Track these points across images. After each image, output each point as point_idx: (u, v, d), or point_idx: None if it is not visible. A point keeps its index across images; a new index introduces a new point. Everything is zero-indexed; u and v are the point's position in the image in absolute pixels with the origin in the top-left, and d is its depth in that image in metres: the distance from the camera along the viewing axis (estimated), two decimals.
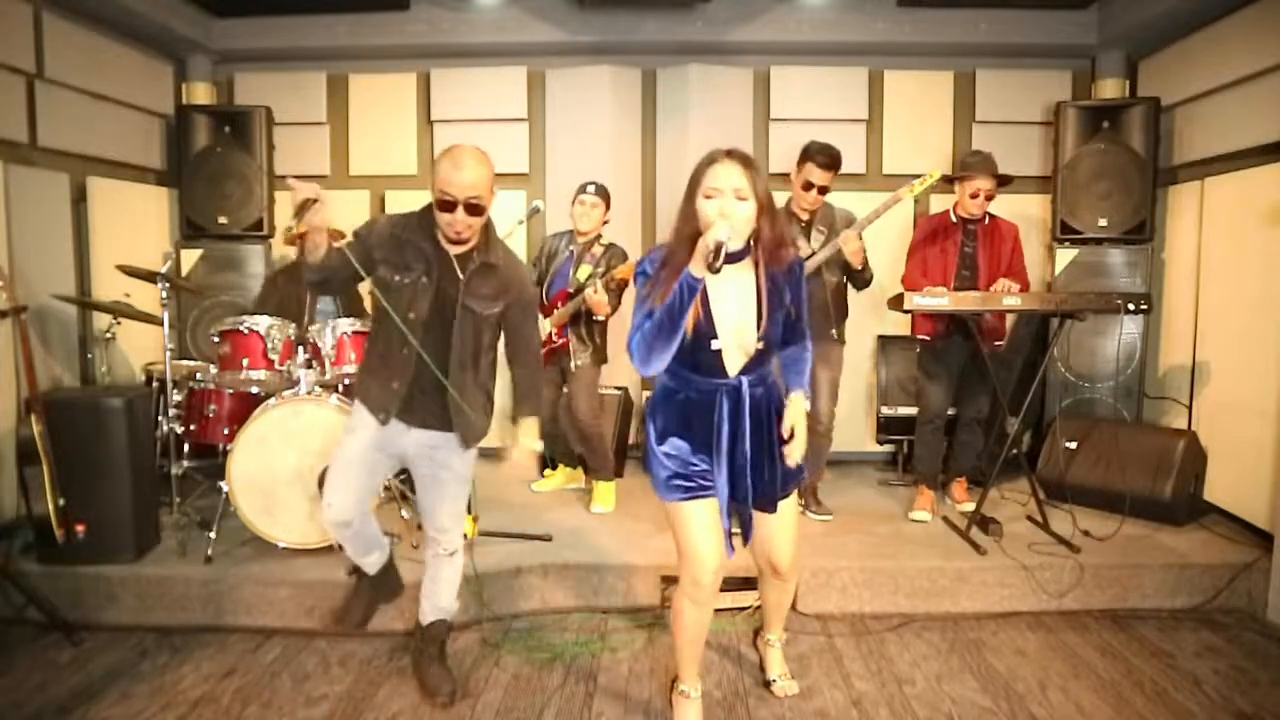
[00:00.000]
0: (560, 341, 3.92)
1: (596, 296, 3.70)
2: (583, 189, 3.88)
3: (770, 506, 2.25)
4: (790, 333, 2.21)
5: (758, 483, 2.18)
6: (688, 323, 2.01)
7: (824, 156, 3.55)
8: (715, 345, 2.06)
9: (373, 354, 2.52)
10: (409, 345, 2.40)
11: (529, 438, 2.60)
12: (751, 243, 2.08)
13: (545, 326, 3.91)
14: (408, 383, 2.43)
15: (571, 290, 3.89)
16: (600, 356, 3.97)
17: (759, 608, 2.85)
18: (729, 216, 1.96)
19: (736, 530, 2.26)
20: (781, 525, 2.30)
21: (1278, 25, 3.56)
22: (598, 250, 3.89)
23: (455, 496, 2.61)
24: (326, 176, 4.99)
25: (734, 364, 2.11)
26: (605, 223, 3.95)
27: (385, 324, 2.43)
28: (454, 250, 2.41)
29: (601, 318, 3.86)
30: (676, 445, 2.16)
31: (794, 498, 2.33)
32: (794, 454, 2.18)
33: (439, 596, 2.67)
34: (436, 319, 2.41)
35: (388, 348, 2.44)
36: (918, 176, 3.51)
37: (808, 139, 3.63)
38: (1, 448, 3.45)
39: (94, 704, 2.54)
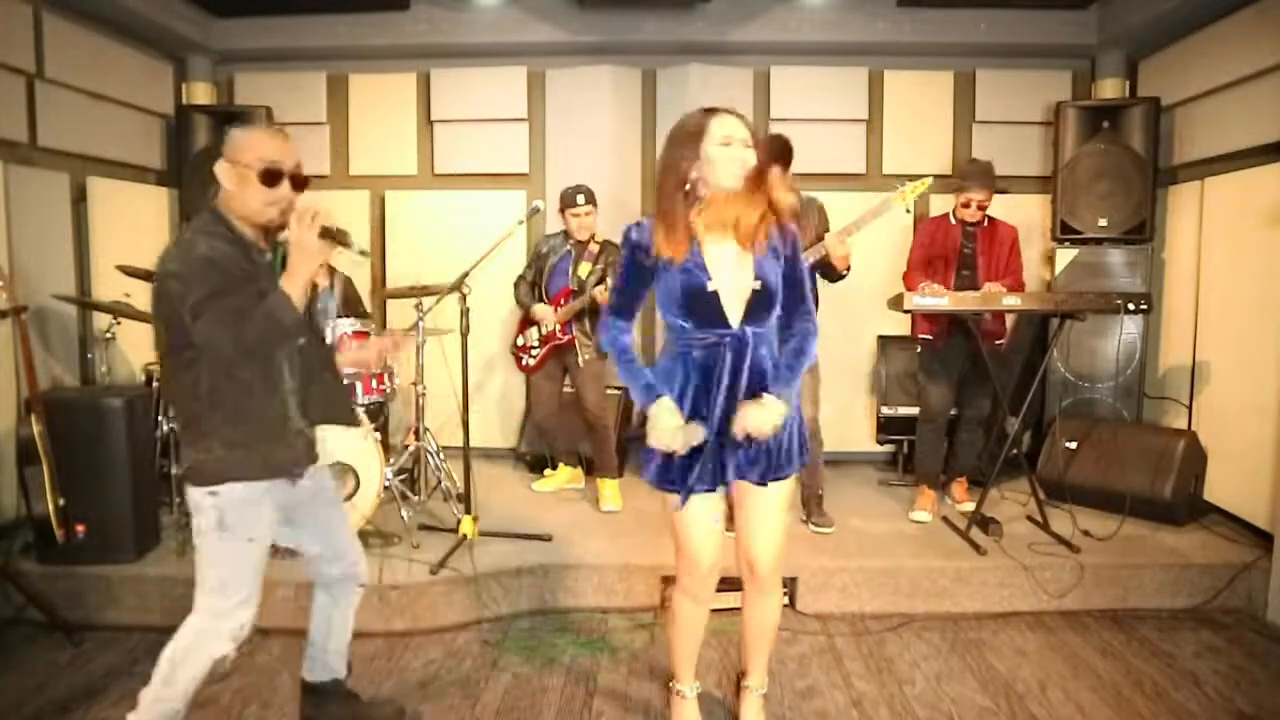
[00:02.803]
0: (565, 338, 3.97)
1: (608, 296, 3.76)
2: (572, 199, 3.91)
3: (762, 477, 2.09)
4: (790, 299, 2.11)
5: (756, 453, 2.06)
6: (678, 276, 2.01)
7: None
8: (711, 286, 2.01)
9: (229, 415, 1.95)
10: (293, 384, 2.06)
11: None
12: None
13: (549, 323, 3.97)
14: (305, 425, 2.11)
15: (574, 287, 3.96)
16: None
17: (740, 672, 2.48)
18: (746, 162, 1.99)
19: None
20: (766, 516, 2.14)
21: (1278, 25, 3.56)
22: (594, 248, 3.98)
23: (345, 513, 2.38)
24: (327, 176, 4.99)
25: (734, 311, 2.03)
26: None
27: (241, 376, 1.94)
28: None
29: None
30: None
31: (785, 493, 2.17)
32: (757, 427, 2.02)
33: (343, 642, 2.38)
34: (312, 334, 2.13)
35: (263, 402, 1.99)
36: (916, 177, 3.46)
37: (808, 139, 3.62)
38: (1, 448, 3.45)
39: (94, 704, 2.54)
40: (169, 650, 2.04)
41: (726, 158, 1.98)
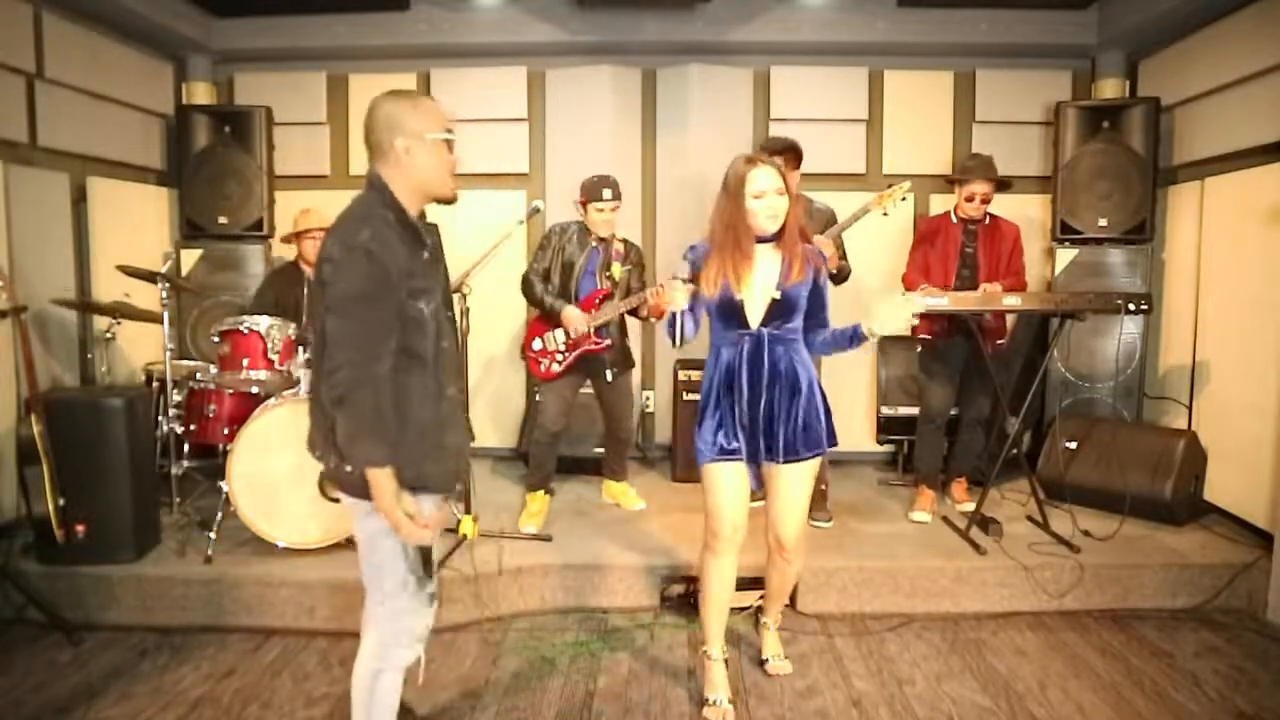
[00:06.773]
0: (602, 343, 3.64)
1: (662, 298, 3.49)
2: (597, 192, 3.57)
3: (784, 457, 2.42)
4: (815, 308, 2.47)
5: (774, 435, 2.41)
6: (714, 288, 2.39)
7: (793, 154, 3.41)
8: (738, 297, 2.39)
9: (397, 415, 1.78)
10: (456, 384, 1.92)
11: None
12: (782, 227, 2.41)
13: (579, 328, 3.58)
14: (463, 439, 1.99)
15: (608, 289, 3.67)
16: (631, 360, 3.89)
17: (760, 608, 2.94)
18: (776, 212, 2.36)
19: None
20: (791, 498, 2.48)
21: (1278, 25, 3.56)
22: (619, 246, 3.74)
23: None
24: (326, 176, 4.99)
25: (755, 314, 2.40)
26: None
27: (412, 373, 1.81)
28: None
29: (655, 319, 3.74)
30: (716, 414, 2.44)
31: (811, 472, 2.49)
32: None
33: None
34: (453, 331, 2.00)
35: (422, 400, 1.82)
36: (917, 177, 3.48)
37: (808, 139, 3.62)
38: (1, 448, 3.45)
39: (94, 704, 2.54)
40: (356, 694, 1.98)
41: (762, 209, 2.35)
